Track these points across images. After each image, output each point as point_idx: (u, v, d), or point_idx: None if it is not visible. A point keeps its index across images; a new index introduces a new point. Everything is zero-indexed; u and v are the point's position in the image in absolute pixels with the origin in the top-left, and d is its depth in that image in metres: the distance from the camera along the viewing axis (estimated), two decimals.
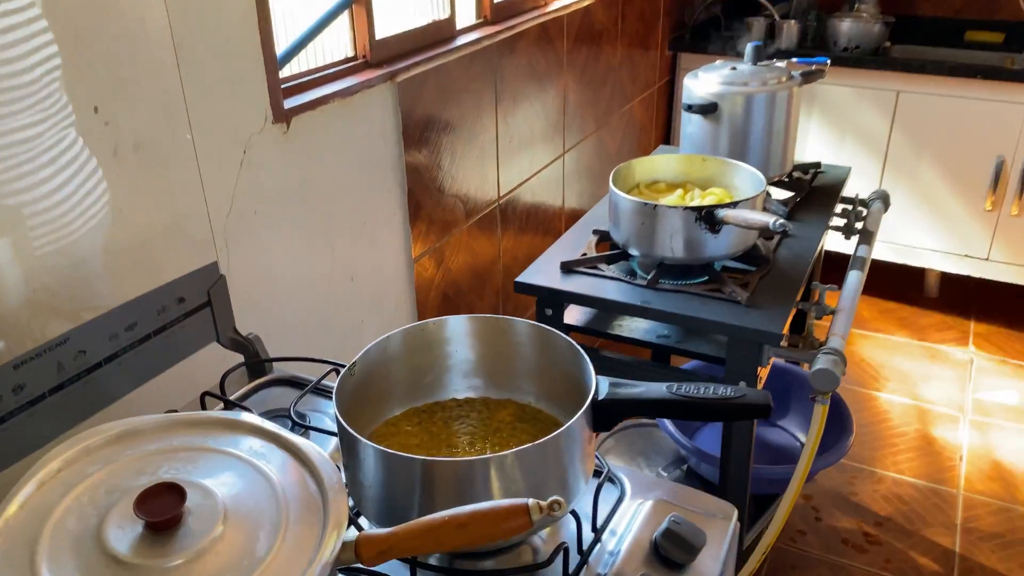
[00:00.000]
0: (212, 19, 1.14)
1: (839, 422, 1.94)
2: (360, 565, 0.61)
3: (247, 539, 0.59)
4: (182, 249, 1.11)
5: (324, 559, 0.58)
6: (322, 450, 0.67)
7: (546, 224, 2.30)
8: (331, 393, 1.03)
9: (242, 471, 0.65)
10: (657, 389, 0.75)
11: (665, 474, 2.01)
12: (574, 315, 1.60)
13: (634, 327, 1.56)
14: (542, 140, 2.18)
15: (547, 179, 2.26)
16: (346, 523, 0.62)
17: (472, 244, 1.94)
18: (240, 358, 1.09)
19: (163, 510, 0.58)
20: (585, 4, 2.25)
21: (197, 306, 1.02)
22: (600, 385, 0.76)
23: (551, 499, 0.60)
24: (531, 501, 0.60)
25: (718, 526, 0.82)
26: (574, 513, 0.78)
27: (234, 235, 1.23)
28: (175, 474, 0.63)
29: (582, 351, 0.79)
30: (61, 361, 0.87)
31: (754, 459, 1.99)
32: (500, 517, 0.60)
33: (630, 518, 0.83)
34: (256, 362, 1.08)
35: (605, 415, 0.75)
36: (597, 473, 0.85)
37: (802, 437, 2.08)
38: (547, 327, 0.83)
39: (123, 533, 0.58)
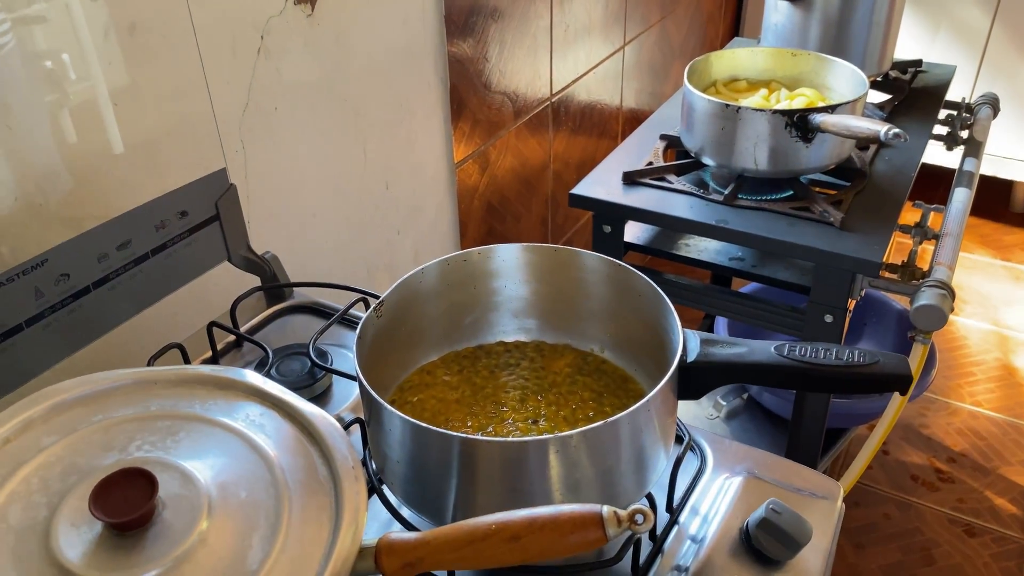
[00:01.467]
0: None
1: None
2: None
3: (236, 542, 0.46)
4: (188, 153, 0.95)
5: (336, 571, 0.45)
6: (333, 420, 0.53)
7: (602, 126, 2.09)
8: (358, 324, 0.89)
9: (234, 449, 0.51)
10: (763, 350, 0.59)
11: (724, 403, 1.86)
12: (634, 232, 1.42)
13: (703, 247, 1.38)
14: (601, 29, 1.94)
15: (605, 75, 2.03)
16: (364, 521, 0.48)
17: (520, 147, 1.75)
18: (255, 280, 0.95)
19: (128, 507, 0.45)
20: None
21: (203, 220, 0.88)
22: (689, 342, 0.60)
23: (632, 508, 0.45)
24: (606, 509, 0.45)
25: (822, 511, 0.67)
26: (649, 495, 0.63)
27: (250, 136, 1.07)
28: (148, 451, 0.49)
29: (667, 299, 0.62)
30: (39, 286, 0.73)
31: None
32: (564, 528, 0.45)
33: (714, 497, 0.68)
34: (273, 287, 0.93)
35: (696, 380, 0.59)
36: (677, 440, 0.70)
37: None
38: (624, 264, 0.66)
39: (77, 534, 0.45)
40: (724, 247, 1.36)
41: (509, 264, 0.72)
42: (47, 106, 0.78)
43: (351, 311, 0.89)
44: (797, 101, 1.30)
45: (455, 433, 0.53)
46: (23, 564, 0.44)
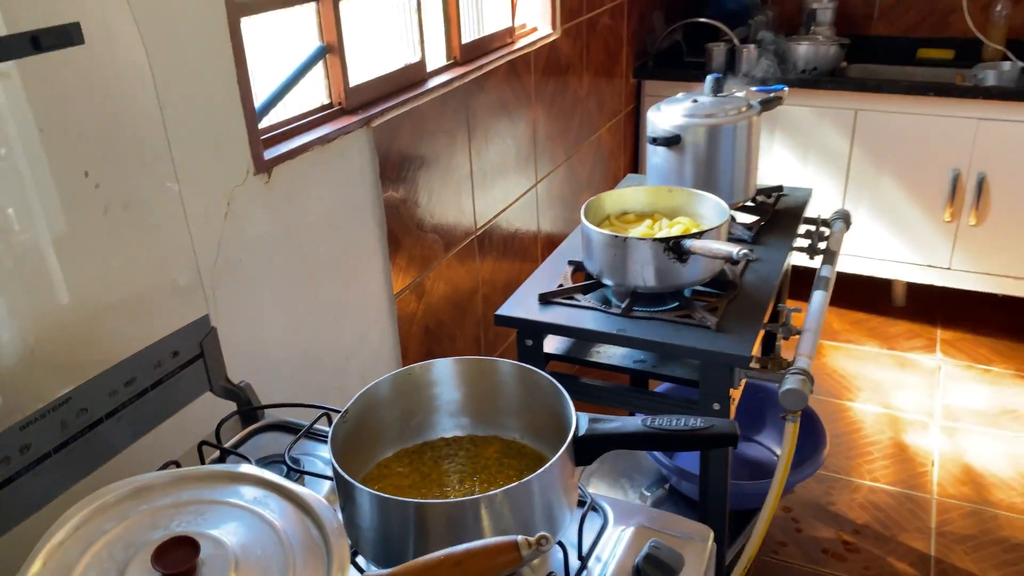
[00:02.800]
0: (195, 82, 1.19)
1: (813, 435, 2.01)
2: None
3: None
4: (173, 302, 1.15)
5: None
6: (320, 497, 0.72)
7: (523, 251, 2.36)
8: (322, 436, 1.08)
9: (248, 521, 0.69)
10: (633, 423, 0.81)
11: (648, 494, 2.06)
12: (553, 344, 1.65)
13: (611, 353, 1.62)
14: (515, 171, 2.24)
15: (522, 208, 2.32)
16: (348, 565, 0.67)
17: (452, 276, 1.99)
18: (232, 406, 1.13)
19: (179, 563, 0.62)
20: (551, 39, 2.32)
21: (191, 358, 1.07)
22: (580, 421, 0.81)
23: (539, 535, 0.65)
24: (520, 538, 0.65)
25: (696, 548, 0.87)
26: (561, 544, 0.83)
27: (221, 285, 1.27)
28: (187, 527, 0.67)
29: (563, 389, 0.84)
30: (64, 419, 0.91)
31: (733, 475, 2.05)
32: (492, 554, 0.65)
33: (613, 545, 0.88)
34: (248, 409, 1.12)
35: (586, 450, 0.80)
36: (581, 503, 0.90)
37: (778, 451, 2.15)
38: (529, 367, 0.89)
39: None
40: (628, 352, 1.60)
41: (444, 375, 0.93)
42: (59, 272, 0.98)
43: (316, 425, 1.07)
44: (675, 228, 1.57)
45: (411, 500, 0.73)
46: None
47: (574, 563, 0.85)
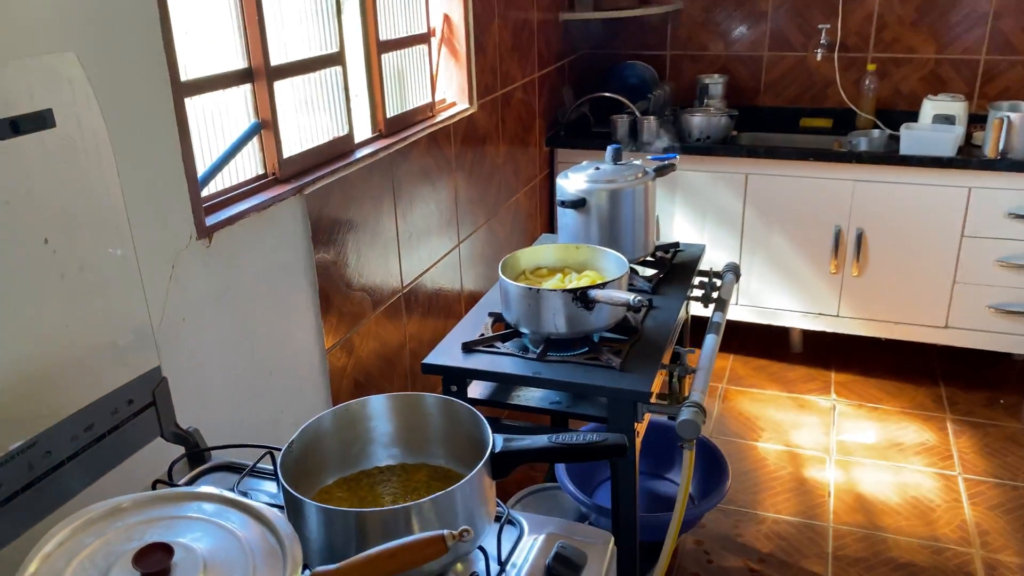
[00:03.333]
0: (146, 155, 1.32)
1: (717, 469, 2.19)
2: None
3: None
4: (127, 355, 1.25)
5: None
6: (278, 511, 0.84)
7: (447, 308, 2.51)
8: (266, 474, 1.19)
9: (213, 531, 0.81)
10: (540, 440, 0.96)
11: None
12: (477, 389, 1.79)
13: (530, 396, 1.77)
14: (438, 233, 2.41)
15: (445, 267, 2.48)
16: (301, 565, 0.79)
17: (380, 332, 2.12)
18: (181, 450, 1.24)
19: (156, 564, 0.74)
20: (469, 113, 2.52)
21: (144, 406, 1.17)
22: (496, 441, 0.96)
23: (461, 529, 0.79)
24: (445, 532, 0.79)
25: (598, 549, 1.02)
26: (482, 549, 0.96)
27: (166, 340, 1.38)
28: (159, 537, 0.79)
29: (481, 416, 0.99)
30: (31, 461, 1.00)
31: (648, 509, 2.21)
32: (422, 545, 0.78)
33: (527, 550, 1.02)
34: (197, 451, 1.22)
35: (501, 464, 0.95)
36: (500, 517, 1.04)
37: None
38: (451, 398, 1.03)
39: None
40: (545, 394, 1.75)
41: (378, 409, 1.06)
42: (20, 333, 1.08)
43: (260, 464, 1.18)
44: (583, 281, 1.76)
45: (351, 509, 0.86)
46: None
47: (495, 568, 0.98)
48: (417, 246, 2.28)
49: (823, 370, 3.33)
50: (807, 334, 3.43)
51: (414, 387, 2.33)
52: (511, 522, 1.06)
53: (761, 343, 3.47)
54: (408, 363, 2.28)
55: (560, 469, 2.17)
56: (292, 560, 0.78)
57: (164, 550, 0.75)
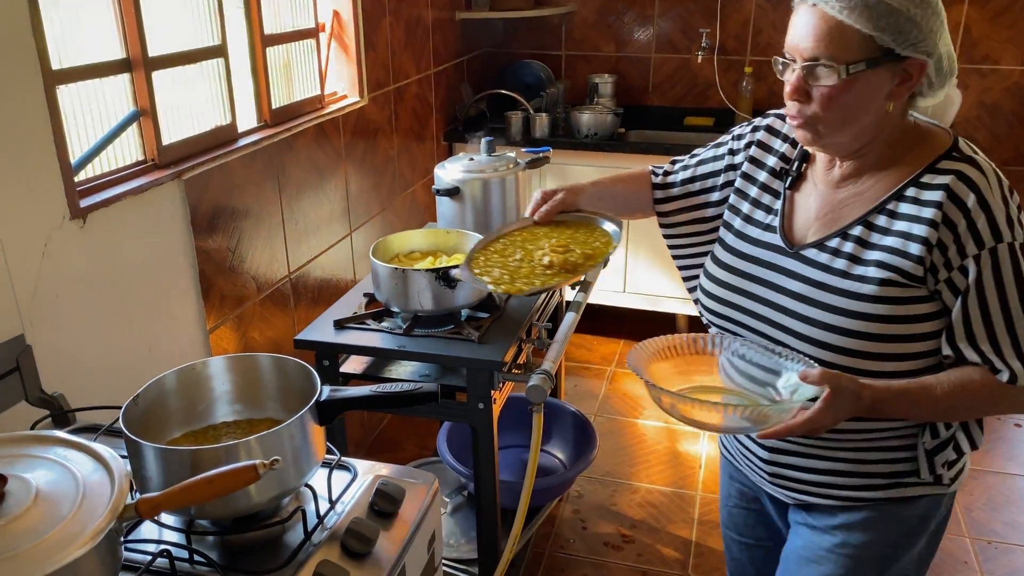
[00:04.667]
0: (12, 139, 1.39)
1: (586, 438, 2.35)
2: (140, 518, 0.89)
3: (54, 506, 0.86)
4: None
5: (110, 513, 0.86)
6: (111, 449, 0.95)
7: (339, 294, 2.61)
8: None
9: (50, 467, 0.91)
10: (363, 391, 1.08)
11: (448, 500, 2.33)
12: (354, 364, 1.90)
13: (401, 371, 1.89)
14: (328, 222, 2.50)
15: (337, 255, 2.58)
16: (128, 493, 0.90)
17: (267, 315, 2.21)
18: (46, 413, 1.32)
19: None
20: (359, 106, 2.63)
21: (7, 371, 1.25)
22: (323, 391, 1.08)
23: (272, 459, 0.91)
24: (257, 461, 0.90)
25: (419, 487, 1.15)
26: (311, 488, 1.08)
27: (39, 314, 1.46)
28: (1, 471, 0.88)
29: (311, 369, 1.11)
30: None
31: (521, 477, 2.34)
32: (236, 473, 0.90)
33: (356, 491, 1.14)
34: (60, 413, 1.31)
35: (328, 410, 1.07)
36: (330, 463, 1.16)
37: (563, 456, 2.48)
38: (284, 356, 1.15)
39: None
40: (416, 367, 1.88)
41: (219, 368, 1.17)
42: None
43: (117, 424, 1.28)
44: (452, 264, 1.88)
45: (186, 447, 0.97)
46: None
47: (325, 506, 1.10)
48: (305, 234, 2.38)
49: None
50: (692, 319, 3.64)
51: None
52: (345, 467, 1.18)
53: (649, 329, 3.65)
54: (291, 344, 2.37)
55: (442, 441, 2.29)
56: (119, 489, 0.89)
57: None
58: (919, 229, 1.11)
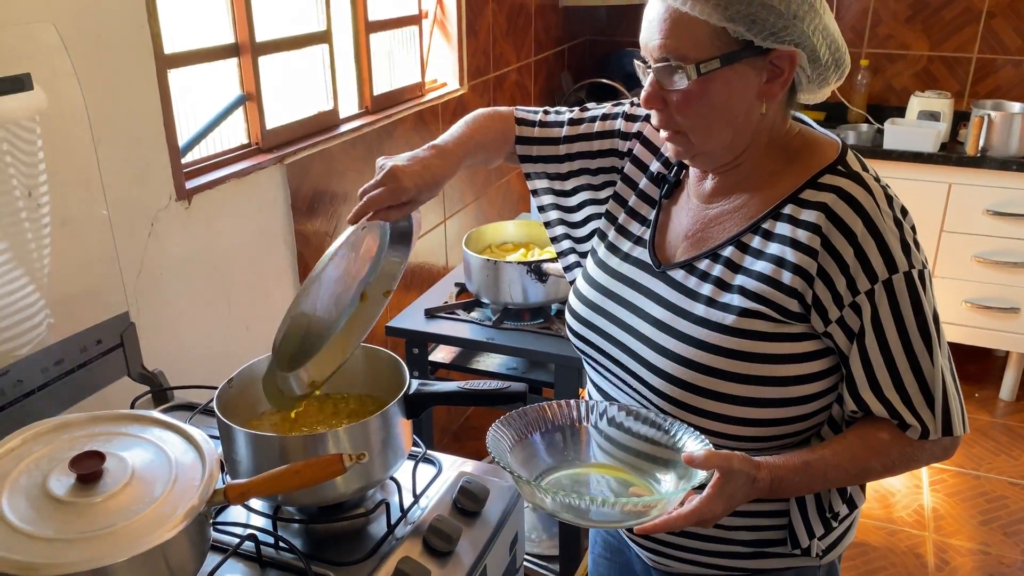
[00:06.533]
0: (126, 122, 1.43)
1: None
2: (228, 503, 0.89)
3: (148, 486, 0.87)
4: (99, 300, 1.37)
5: (201, 496, 0.87)
6: (204, 433, 0.96)
7: (431, 281, 2.62)
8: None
9: (146, 447, 0.93)
10: (451, 386, 1.06)
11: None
12: (442, 354, 1.90)
13: (489, 362, 1.88)
14: (422, 209, 2.50)
15: (430, 242, 2.58)
16: (219, 477, 0.90)
17: None
18: (147, 389, 1.36)
19: (88, 467, 0.86)
20: (459, 94, 2.62)
21: (112, 347, 1.29)
22: (412, 384, 1.07)
23: (359, 452, 0.90)
24: (344, 453, 0.90)
25: (501, 486, 1.13)
26: (396, 481, 1.07)
27: (143, 293, 1.50)
28: (98, 447, 0.91)
29: (401, 361, 1.10)
30: (3, 388, 1.13)
31: None
32: (323, 464, 0.89)
33: (441, 486, 1.13)
34: (159, 390, 1.34)
35: (416, 403, 1.05)
36: (416, 456, 1.15)
37: None
38: (376, 347, 1.14)
39: (60, 483, 0.85)
40: (504, 360, 1.86)
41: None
42: (6, 274, 1.20)
43: (212, 404, 1.30)
44: (545, 256, 1.85)
45: (275, 434, 0.97)
46: (32, 500, 0.83)
47: (409, 499, 1.09)
48: None
49: None
50: None
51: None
52: (430, 461, 1.17)
53: None
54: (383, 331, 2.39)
55: None
56: (209, 473, 0.90)
57: (98, 457, 0.87)
58: (793, 255, 0.94)
